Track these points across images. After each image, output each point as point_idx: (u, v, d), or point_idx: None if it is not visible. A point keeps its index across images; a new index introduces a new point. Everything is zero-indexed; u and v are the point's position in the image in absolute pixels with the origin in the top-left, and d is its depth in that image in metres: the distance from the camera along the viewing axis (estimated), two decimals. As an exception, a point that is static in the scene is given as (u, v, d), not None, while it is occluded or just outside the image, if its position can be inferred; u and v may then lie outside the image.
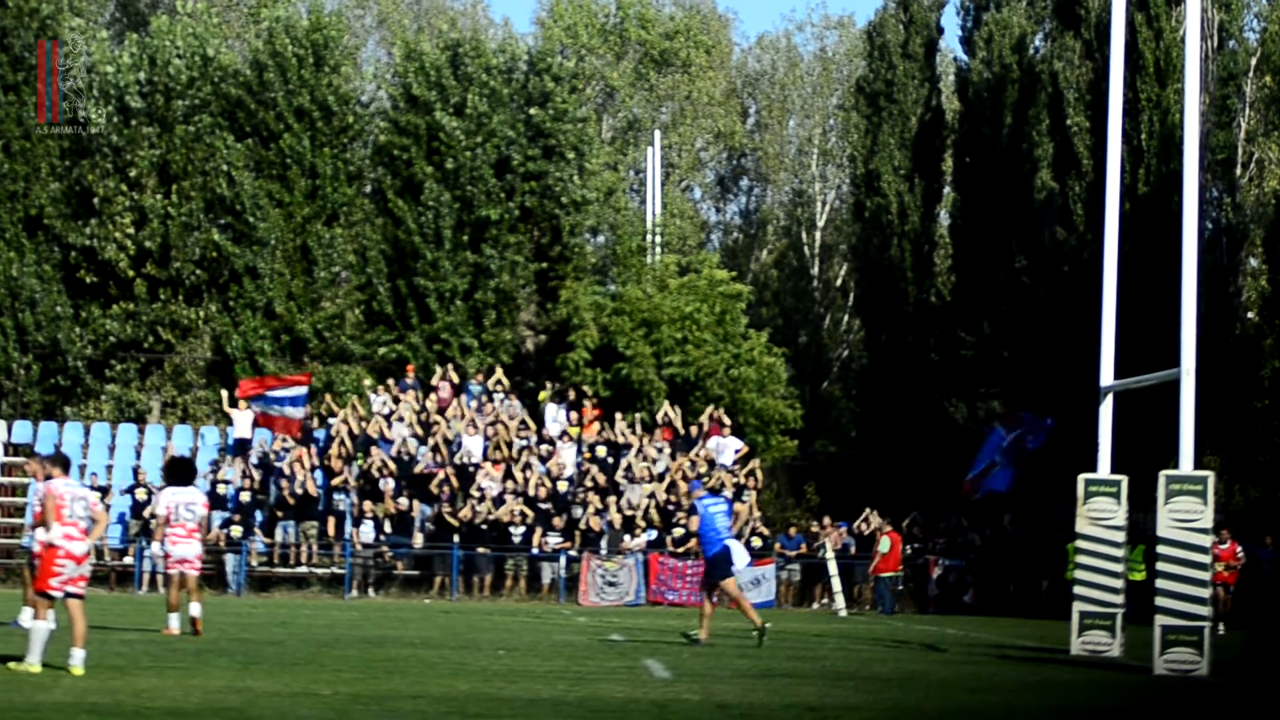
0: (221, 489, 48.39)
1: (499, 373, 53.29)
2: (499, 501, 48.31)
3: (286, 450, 49.58)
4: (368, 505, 47.89)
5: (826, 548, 47.80)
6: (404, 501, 47.91)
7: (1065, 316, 55.86)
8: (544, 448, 50.64)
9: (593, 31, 78.69)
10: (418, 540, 47.96)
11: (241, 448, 50.35)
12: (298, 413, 49.36)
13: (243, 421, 50.70)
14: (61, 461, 20.25)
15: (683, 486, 49.37)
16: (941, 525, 51.56)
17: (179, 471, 27.91)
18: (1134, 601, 33.59)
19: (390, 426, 50.62)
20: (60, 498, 19.57)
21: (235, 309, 55.19)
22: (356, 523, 47.75)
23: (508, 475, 49.53)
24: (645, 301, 54.59)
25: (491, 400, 52.25)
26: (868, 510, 50.42)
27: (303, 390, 49.55)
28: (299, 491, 47.78)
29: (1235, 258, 62.82)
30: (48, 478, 20.17)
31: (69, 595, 19.49)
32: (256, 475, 48.53)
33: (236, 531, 47.04)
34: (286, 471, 48.47)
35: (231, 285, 55.36)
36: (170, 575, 27.34)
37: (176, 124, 55.45)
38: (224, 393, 51.85)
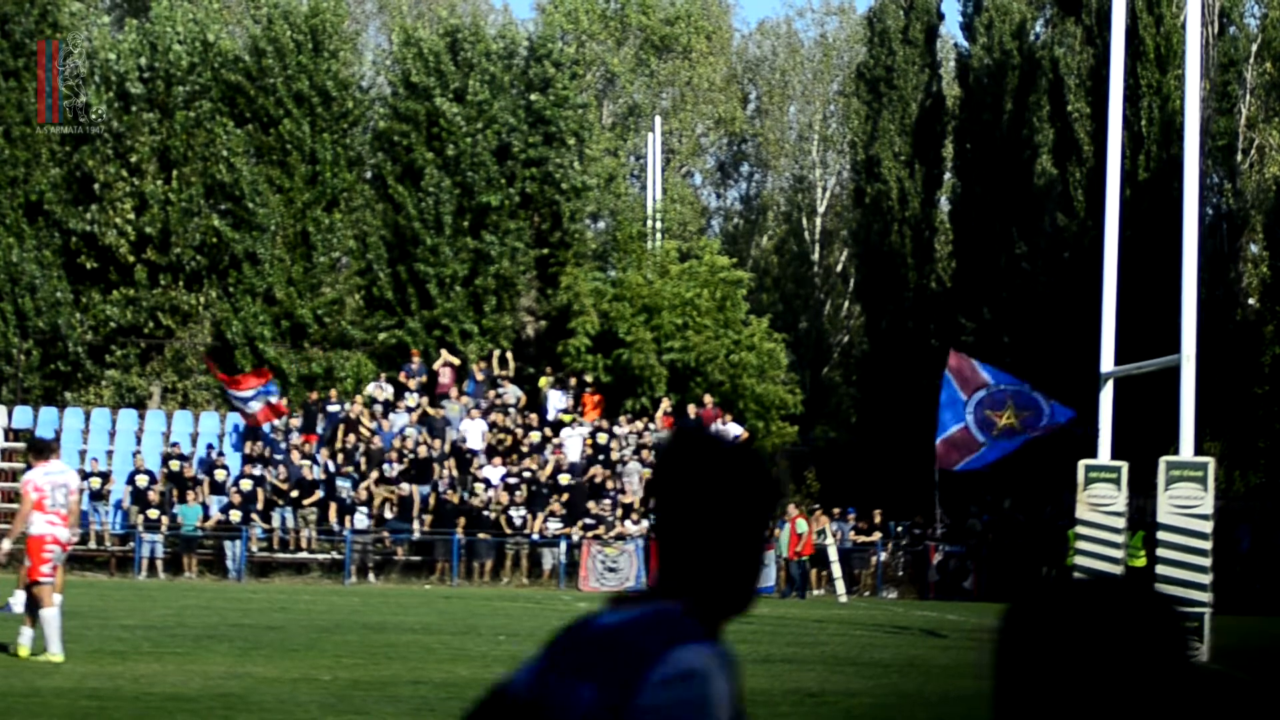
0: (220, 475, 48.48)
1: (508, 356, 53.32)
2: (498, 488, 48.36)
3: (288, 436, 49.62)
4: (364, 491, 47.91)
5: (827, 534, 47.82)
6: (405, 487, 47.92)
7: (1066, 302, 55.87)
8: (544, 433, 50.69)
9: (593, 17, 78.62)
10: (418, 526, 47.98)
11: (251, 433, 50.29)
12: (256, 406, 49.91)
13: (251, 405, 50.71)
14: (40, 448, 20.15)
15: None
16: (940, 511, 51.55)
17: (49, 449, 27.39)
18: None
19: (390, 413, 50.66)
20: (39, 489, 19.53)
21: (235, 294, 55.15)
22: (352, 509, 47.73)
23: (508, 461, 49.58)
24: (646, 287, 54.58)
25: (495, 386, 52.28)
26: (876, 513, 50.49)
27: (253, 390, 50.14)
28: (305, 478, 47.81)
29: (1236, 244, 62.81)
30: (29, 466, 20.09)
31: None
32: (259, 460, 48.53)
33: (235, 516, 47.11)
34: (287, 457, 48.53)
35: (231, 271, 55.32)
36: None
37: (177, 110, 55.38)
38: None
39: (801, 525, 46.47)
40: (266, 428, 50.56)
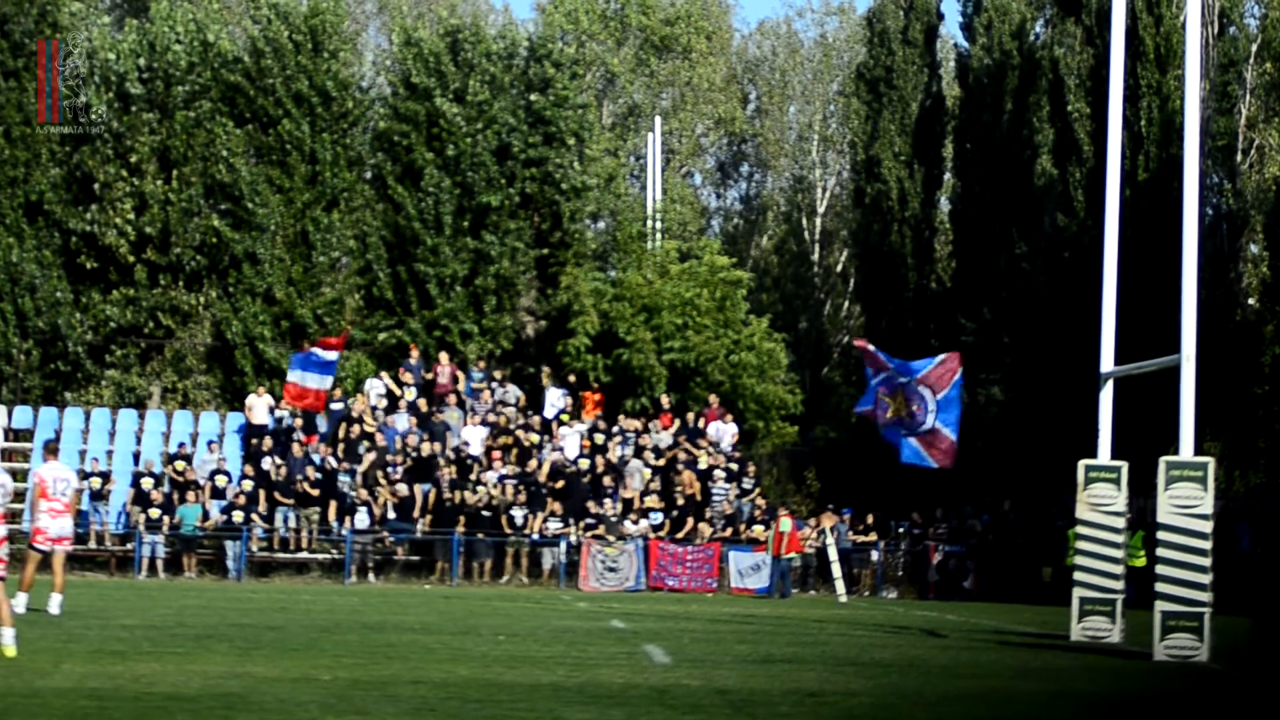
0: (220, 480, 48.45)
1: (505, 380, 53.43)
2: (498, 488, 48.37)
3: (294, 435, 49.62)
4: (364, 492, 47.88)
5: (826, 534, 47.81)
6: (404, 488, 47.90)
7: (1066, 302, 55.85)
8: (542, 436, 50.71)
9: (593, 17, 78.61)
10: (419, 526, 47.96)
11: (257, 432, 50.20)
12: (327, 381, 49.44)
13: (260, 407, 50.63)
14: None
15: (687, 476, 49.40)
16: (940, 511, 51.54)
17: (53, 446, 27.20)
18: (1134, 587, 33.63)
19: (391, 412, 50.65)
20: None
21: (235, 294, 55.13)
22: (352, 509, 47.68)
23: (507, 461, 49.59)
24: (646, 287, 54.57)
25: (491, 388, 52.29)
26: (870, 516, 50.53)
27: (335, 356, 49.56)
28: (314, 477, 47.80)
29: (1236, 244, 62.79)
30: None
31: None
32: (267, 459, 48.46)
33: (237, 516, 47.11)
34: (289, 456, 48.51)
35: (231, 271, 55.30)
36: (39, 550, 26.32)
37: (176, 110, 55.37)
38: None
39: (785, 524, 46.34)
40: (270, 423, 50.51)
